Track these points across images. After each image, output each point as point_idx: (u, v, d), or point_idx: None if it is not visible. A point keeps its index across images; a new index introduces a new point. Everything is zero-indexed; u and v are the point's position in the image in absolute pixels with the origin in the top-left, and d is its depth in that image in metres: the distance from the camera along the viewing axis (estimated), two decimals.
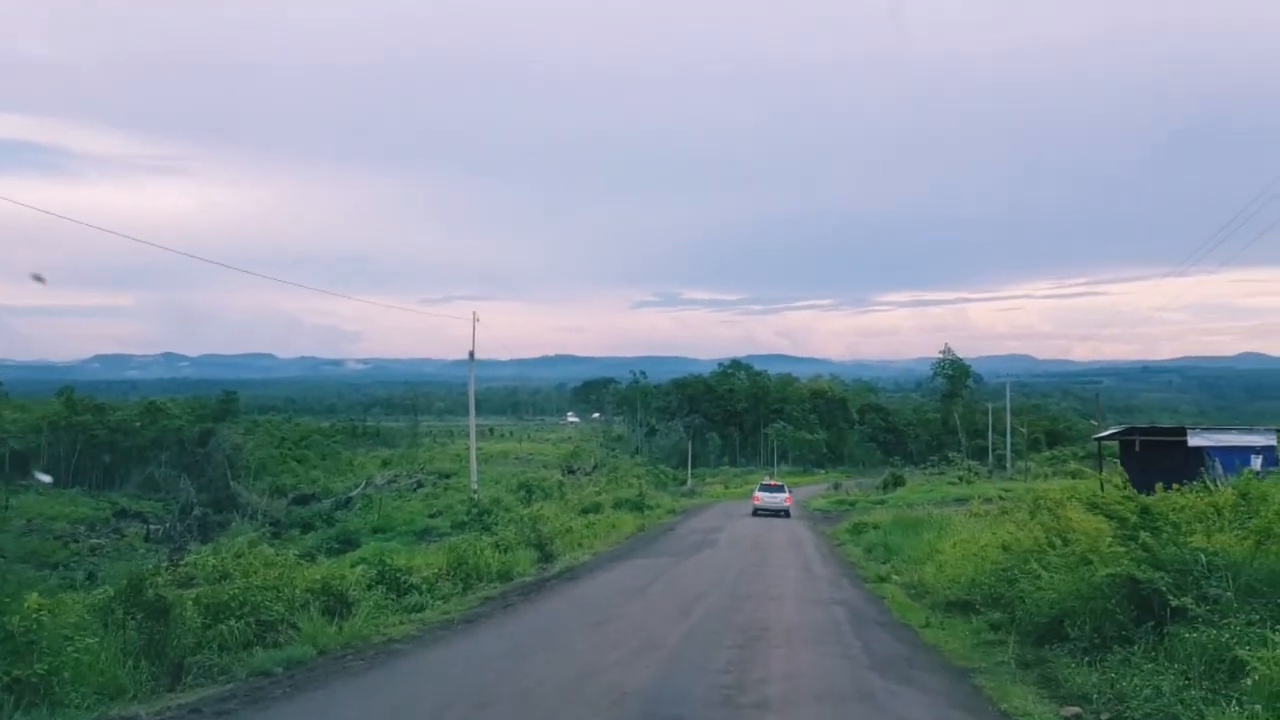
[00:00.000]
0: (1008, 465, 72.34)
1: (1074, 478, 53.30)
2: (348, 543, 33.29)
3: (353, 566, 18.59)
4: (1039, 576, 11.10)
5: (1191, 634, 8.18)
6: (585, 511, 37.21)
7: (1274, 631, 7.69)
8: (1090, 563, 10.40)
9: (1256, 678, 7.15)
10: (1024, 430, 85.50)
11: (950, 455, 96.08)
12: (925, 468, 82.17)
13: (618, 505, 41.80)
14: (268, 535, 44.75)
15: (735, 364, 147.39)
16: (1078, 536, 11.22)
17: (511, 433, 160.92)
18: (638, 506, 42.46)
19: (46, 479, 79.08)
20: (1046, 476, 55.89)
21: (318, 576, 13.73)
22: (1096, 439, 36.46)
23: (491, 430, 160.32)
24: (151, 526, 58.01)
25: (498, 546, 23.26)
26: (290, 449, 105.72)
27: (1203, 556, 8.98)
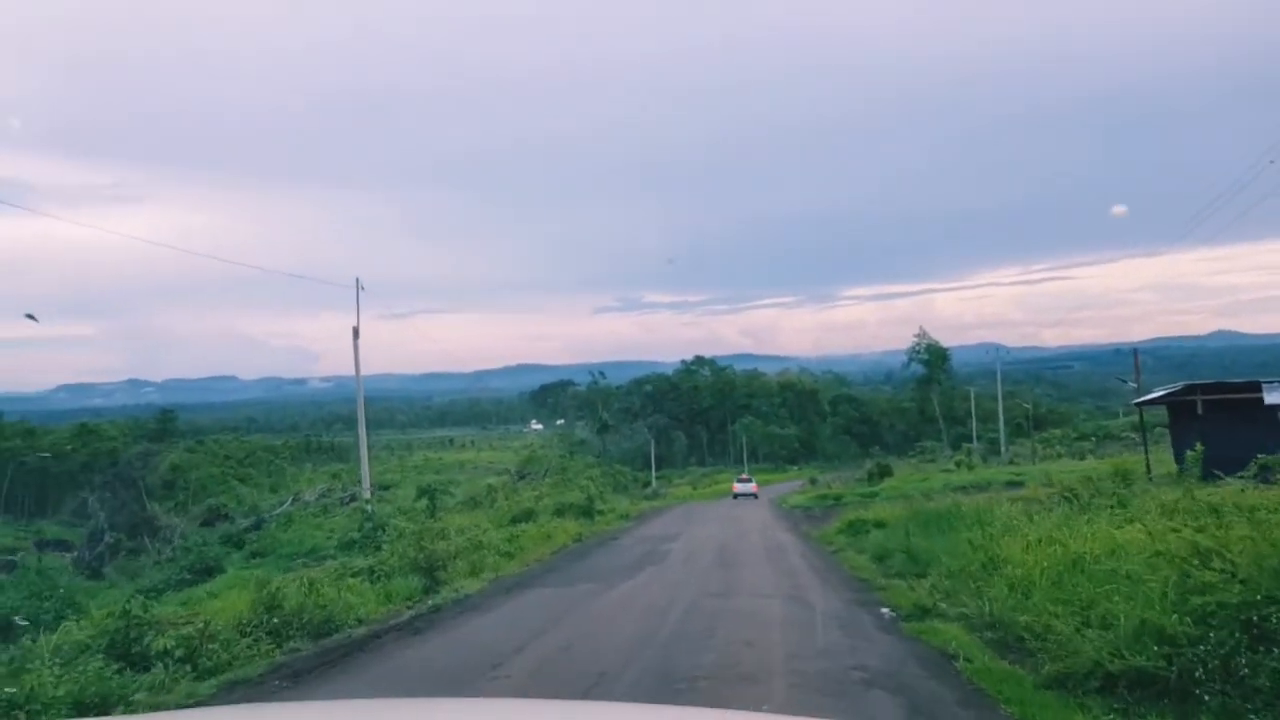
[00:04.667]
0: (1002, 450, 65.98)
1: (1080, 459, 47.09)
2: (206, 571, 26.03)
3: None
4: None
5: None
6: (515, 520, 30.53)
7: None
8: None
9: None
10: (1029, 406, 79.28)
11: (928, 444, 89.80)
12: (911, 456, 75.72)
13: (561, 511, 35.03)
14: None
15: (699, 360, 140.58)
16: None
17: (473, 442, 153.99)
18: (586, 512, 35.97)
19: None
20: (1058, 456, 49.59)
21: None
22: (1138, 403, 29.80)
23: (452, 440, 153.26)
24: (68, 555, 51.81)
25: (373, 574, 16.58)
26: (233, 467, 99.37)
27: None
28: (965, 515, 16.94)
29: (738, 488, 58.37)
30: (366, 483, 27.64)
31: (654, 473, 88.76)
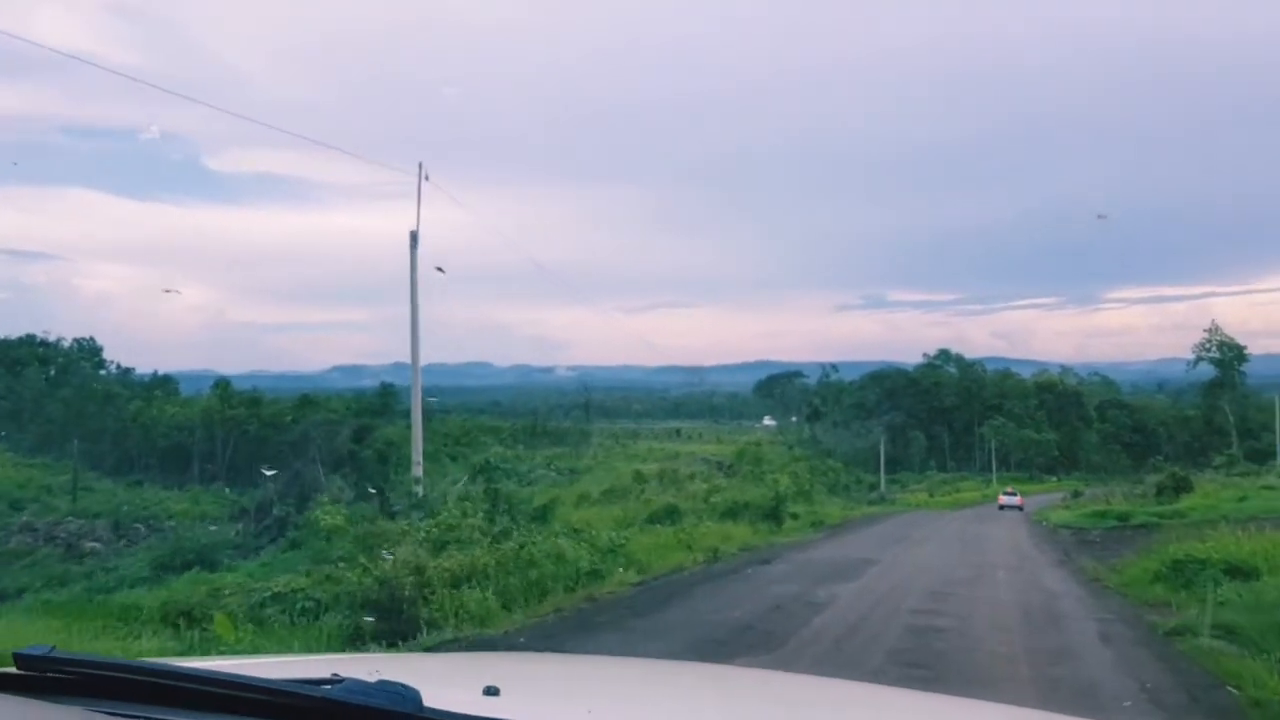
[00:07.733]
0: None
1: None
2: (186, 566, 20.03)
3: None
4: None
5: None
6: (653, 520, 22.80)
7: None
8: None
9: None
10: None
11: (1229, 455, 72.75)
12: (1212, 469, 60.79)
13: (734, 512, 26.73)
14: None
15: (944, 354, 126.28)
16: None
17: (700, 434, 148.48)
18: (772, 515, 27.54)
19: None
20: None
21: None
22: None
23: (679, 431, 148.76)
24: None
25: (286, 605, 9.92)
26: (447, 446, 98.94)
27: None
28: None
29: (1004, 500, 58.85)
30: (418, 455, 20.21)
31: (882, 475, 78.05)
